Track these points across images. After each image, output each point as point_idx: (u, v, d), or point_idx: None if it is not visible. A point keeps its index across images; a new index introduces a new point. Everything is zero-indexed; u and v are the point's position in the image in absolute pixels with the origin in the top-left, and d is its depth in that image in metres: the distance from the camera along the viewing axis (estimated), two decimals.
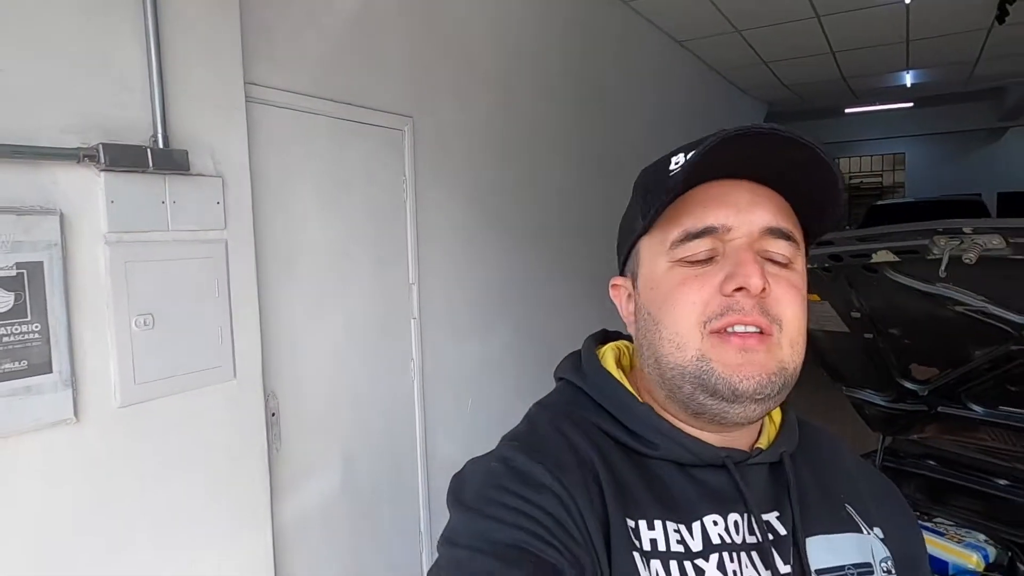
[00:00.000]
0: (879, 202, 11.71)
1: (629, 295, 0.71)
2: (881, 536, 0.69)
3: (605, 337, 0.81)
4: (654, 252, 0.66)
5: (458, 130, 3.10)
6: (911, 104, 12.00)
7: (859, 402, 2.06)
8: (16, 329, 1.44)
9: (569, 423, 0.67)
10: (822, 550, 0.64)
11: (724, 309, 0.61)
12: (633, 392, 0.69)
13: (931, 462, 2.04)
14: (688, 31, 5.43)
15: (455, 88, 3.06)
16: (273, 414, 2.19)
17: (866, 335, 1.79)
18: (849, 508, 0.70)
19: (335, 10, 2.41)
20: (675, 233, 0.64)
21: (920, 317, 1.60)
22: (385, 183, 2.68)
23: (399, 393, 2.79)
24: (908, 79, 7.75)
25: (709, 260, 0.63)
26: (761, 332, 0.61)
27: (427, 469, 2.93)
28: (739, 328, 0.61)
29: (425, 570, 2.96)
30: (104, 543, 1.63)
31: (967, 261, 1.26)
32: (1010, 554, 1.64)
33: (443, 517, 2.45)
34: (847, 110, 12.27)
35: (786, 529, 0.63)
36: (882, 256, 1.46)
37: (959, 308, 1.49)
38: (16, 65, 1.46)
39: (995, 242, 1.23)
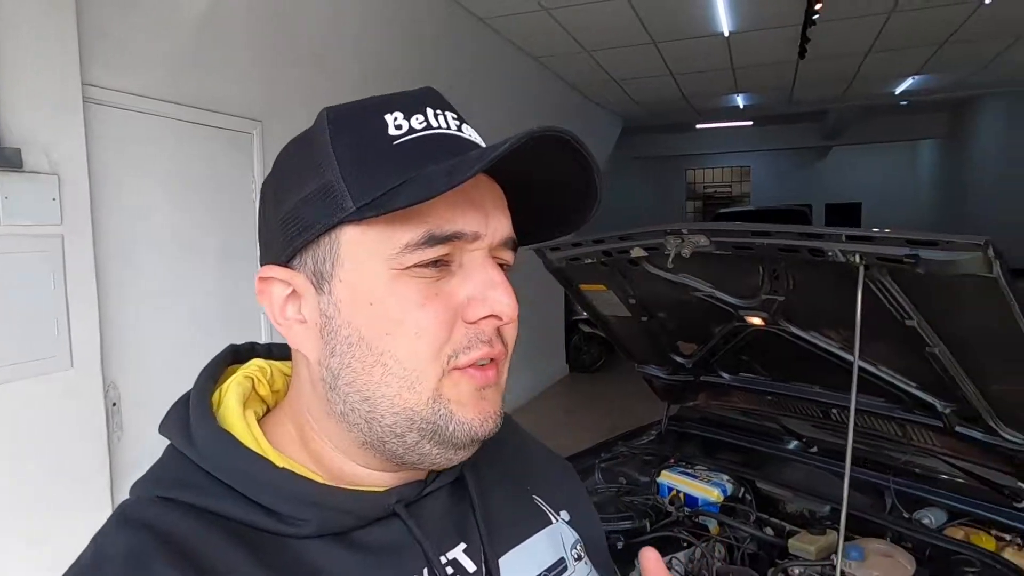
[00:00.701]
0: (723, 210, 12.90)
1: (296, 296, 0.51)
2: (568, 519, 0.65)
3: (235, 357, 0.60)
4: (370, 252, 0.47)
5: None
6: (751, 123, 13.39)
7: (647, 376, 2.47)
8: None
9: (166, 546, 0.44)
10: (516, 565, 0.58)
11: (471, 341, 0.49)
12: (264, 451, 0.51)
13: (702, 423, 2.49)
14: (542, 48, 5.86)
15: (307, 96, 3.22)
16: (114, 404, 2.27)
17: (642, 318, 2.17)
18: (537, 499, 0.64)
19: (180, 14, 2.52)
20: (412, 234, 0.46)
21: (674, 302, 2.00)
22: (234, 183, 2.80)
23: None
24: (740, 101, 8.68)
25: (442, 273, 0.48)
26: (492, 360, 0.51)
27: None
28: (482, 361, 0.50)
29: None
30: None
31: (684, 255, 1.66)
32: (743, 488, 2.08)
33: None
34: (698, 126, 13.47)
35: (475, 563, 0.55)
36: (636, 252, 1.83)
37: (696, 293, 1.89)
38: None
39: (703, 241, 1.63)
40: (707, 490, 2.03)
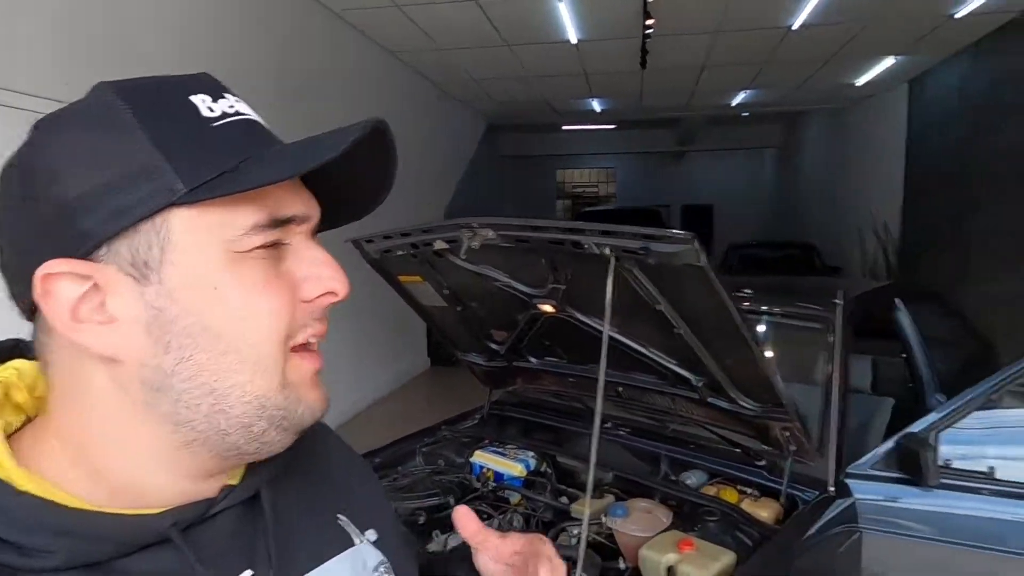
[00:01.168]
0: (587, 208, 13.51)
1: (97, 293, 0.45)
2: (374, 539, 0.62)
3: None
4: (208, 236, 0.45)
5: None
6: (614, 126, 14.13)
7: (469, 364, 2.61)
8: None
9: None
10: None
11: (308, 320, 0.50)
12: (5, 471, 0.44)
13: (519, 407, 2.68)
14: (398, 44, 5.89)
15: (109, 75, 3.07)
16: None
17: (457, 308, 2.30)
18: (342, 519, 0.61)
19: None
20: (257, 216, 0.46)
21: (481, 291, 2.14)
22: None
23: None
24: (596, 105, 9.15)
25: (280, 255, 0.49)
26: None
27: None
28: (315, 341, 0.52)
29: None
30: None
31: (474, 247, 1.80)
32: (546, 463, 2.27)
33: None
34: (564, 127, 14.02)
35: None
36: (439, 244, 1.95)
37: (497, 283, 2.05)
38: None
39: (490, 234, 1.78)
40: (512, 466, 2.19)
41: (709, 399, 1.91)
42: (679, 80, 7.42)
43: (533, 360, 2.40)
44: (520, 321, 2.19)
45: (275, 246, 0.48)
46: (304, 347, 0.51)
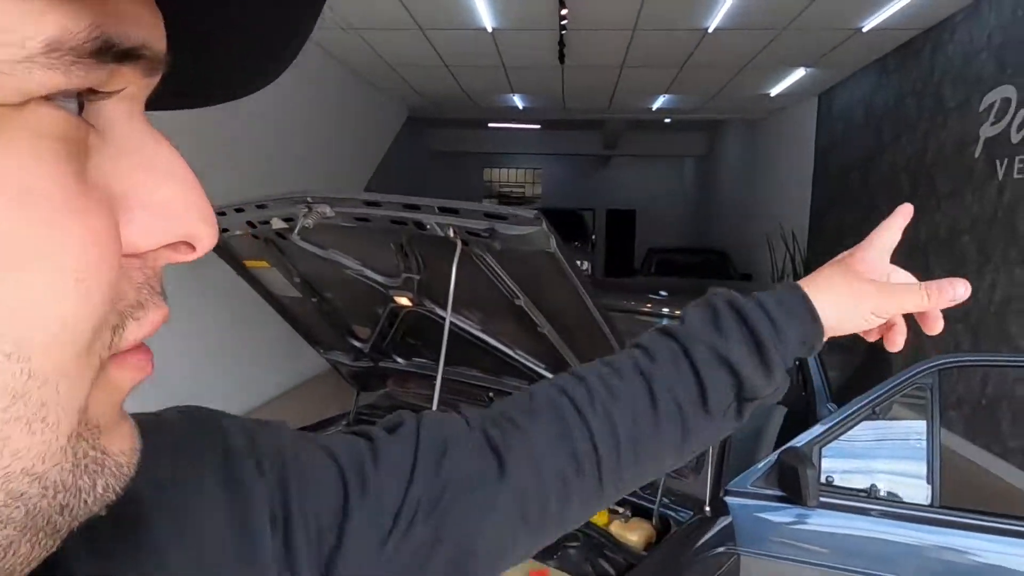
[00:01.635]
0: None
1: None
2: None
3: None
4: None
5: None
6: (539, 126, 14.04)
7: (332, 363, 2.34)
8: None
9: None
10: None
11: (141, 293, 0.25)
12: None
13: (390, 411, 2.42)
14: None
15: None
16: None
17: (312, 299, 2.03)
18: None
19: None
20: (61, 20, 0.20)
21: (335, 281, 1.88)
22: None
23: None
24: (518, 101, 8.98)
25: (75, 139, 0.22)
26: None
27: None
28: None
29: None
30: None
31: (308, 226, 1.53)
32: None
33: None
34: (490, 125, 13.81)
35: None
36: (276, 223, 1.68)
37: (348, 271, 1.79)
38: None
39: (327, 211, 1.52)
40: None
41: None
42: (599, 80, 7.33)
43: (400, 360, 2.15)
44: (380, 316, 1.93)
45: (81, 112, 0.22)
46: (127, 352, 0.25)
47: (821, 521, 1.69)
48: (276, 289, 2.09)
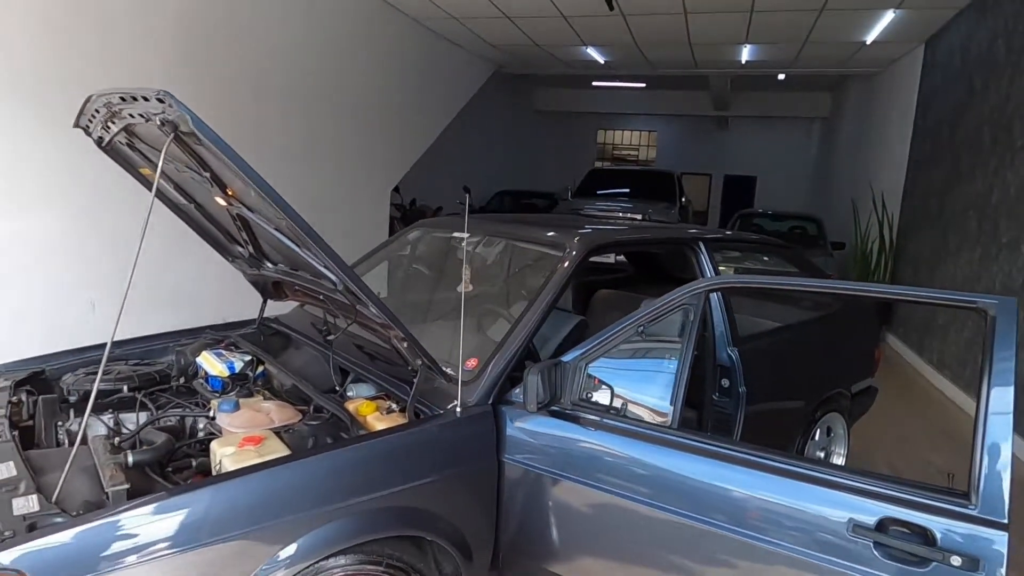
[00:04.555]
0: (596, 168, 13.14)
1: None
2: None
3: None
4: None
5: None
6: (644, 84, 13.57)
7: (239, 270, 2.60)
8: None
9: None
10: None
11: None
12: None
13: (293, 320, 2.67)
14: None
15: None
16: None
17: (193, 205, 2.28)
18: None
19: None
20: None
21: (192, 186, 2.10)
22: None
23: None
24: (595, 55, 8.77)
25: None
26: None
27: None
28: None
29: None
30: None
31: (120, 140, 1.77)
32: (252, 364, 2.24)
33: None
34: (593, 83, 13.57)
35: None
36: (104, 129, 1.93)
37: (184, 175, 2.00)
38: None
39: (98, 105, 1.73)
40: (215, 366, 2.17)
41: (358, 306, 1.82)
42: (666, 29, 6.99)
43: (270, 266, 2.35)
44: (232, 219, 2.14)
45: None
46: None
47: (568, 433, 1.69)
48: (171, 197, 2.35)
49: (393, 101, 7.11)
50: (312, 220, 1.51)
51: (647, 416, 1.62)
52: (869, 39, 6.89)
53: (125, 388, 2.04)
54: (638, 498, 1.56)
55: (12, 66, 3.37)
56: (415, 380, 1.75)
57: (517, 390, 1.83)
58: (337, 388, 1.98)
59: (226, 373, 2.16)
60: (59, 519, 1.30)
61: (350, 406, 1.82)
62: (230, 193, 1.89)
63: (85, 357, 2.29)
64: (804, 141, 16.37)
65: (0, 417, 1.75)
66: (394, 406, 1.82)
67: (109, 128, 1.91)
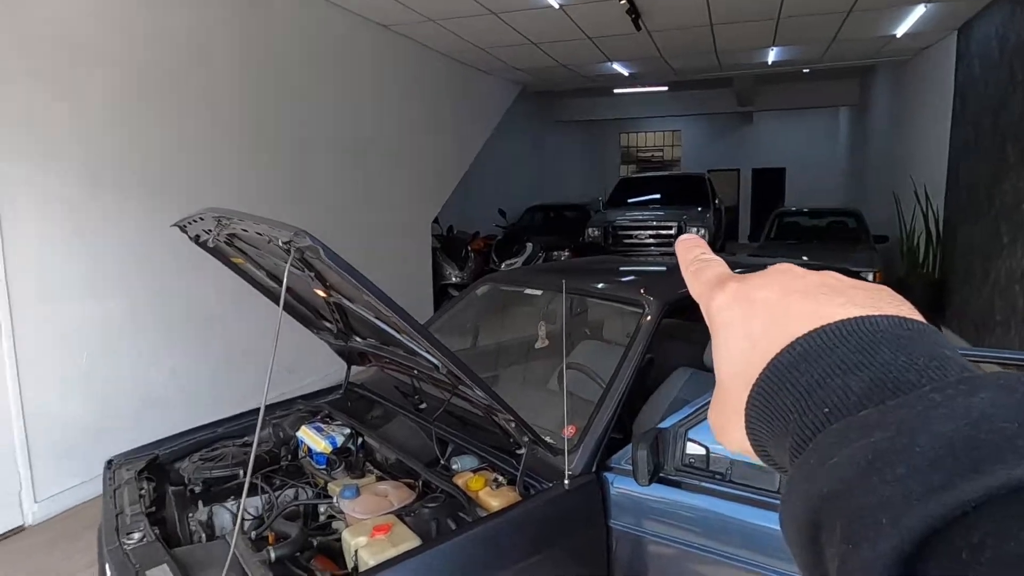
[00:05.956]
0: (625, 176, 13.15)
1: None
2: None
3: None
4: None
5: (58, 102, 3.38)
6: (666, 88, 13.55)
7: (325, 341, 2.72)
8: None
9: None
10: None
11: None
12: None
13: (374, 385, 2.77)
14: (392, 19, 5.91)
15: (40, 69, 3.32)
16: None
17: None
18: None
19: None
20: None
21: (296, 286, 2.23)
22: None
23: None
24: (621, 68, 8.82)
25: None
26: None
27: (23, 417, 3.26)
28: None
29: (29, 512, 3.31)
30: None
31: (219, 240, 1.90)
32: (352, 437, 2.34)
33: (46, 462, 2.83)
34: (615, 91, 13.60)
35: None
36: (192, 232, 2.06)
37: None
38: None
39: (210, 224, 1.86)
40: (318, 442, 2.29)
41: (459, 386, 1.91)
42: (693, 40, 7.02)
43: (359, 340, 2.46)
44: (328, 304, 2.26)
45: None
46: None
47: (678, 500, 1.76)
48: (261, 281, 2.49)
49: (428, 136, 7.26)
50: (362, 258, 1.62)
51: (754, 479, 1.68)
52: (900, 32, 6.83)
53: (241, 473, 2.16)
54: (750, 564, 1.62)
55: (92, 158, 3.56)
56: (522, 454, 1.84)
57: (616, 455, 1.90)
58: (440, 460, 2.08)
59: (329, 449, 2.27)
60: None
61: (459, 481, 1.91)
62: (329, 286, 2.01)
63: (193, 439, 2.43)
64: (833, 130, 16.18)
65: (139, 515, 1.87)
66: (500, 479, 1.91)
67: (211, 232, 2.05)
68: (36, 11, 3.24)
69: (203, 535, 1.90)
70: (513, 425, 1.78)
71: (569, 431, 1.95)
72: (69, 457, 3.45)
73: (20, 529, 3.28)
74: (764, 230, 9.06)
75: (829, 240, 8.32)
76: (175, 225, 2.22)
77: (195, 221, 2.05)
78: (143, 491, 2.04)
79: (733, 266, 0.38)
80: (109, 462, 2.24)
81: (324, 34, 5.42)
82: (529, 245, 9.36)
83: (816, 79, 12.92)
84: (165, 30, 3.96)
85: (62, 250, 3.44)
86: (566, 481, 1.80)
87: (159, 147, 3.97)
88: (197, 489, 2.09)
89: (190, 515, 1.97)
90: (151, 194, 3.89)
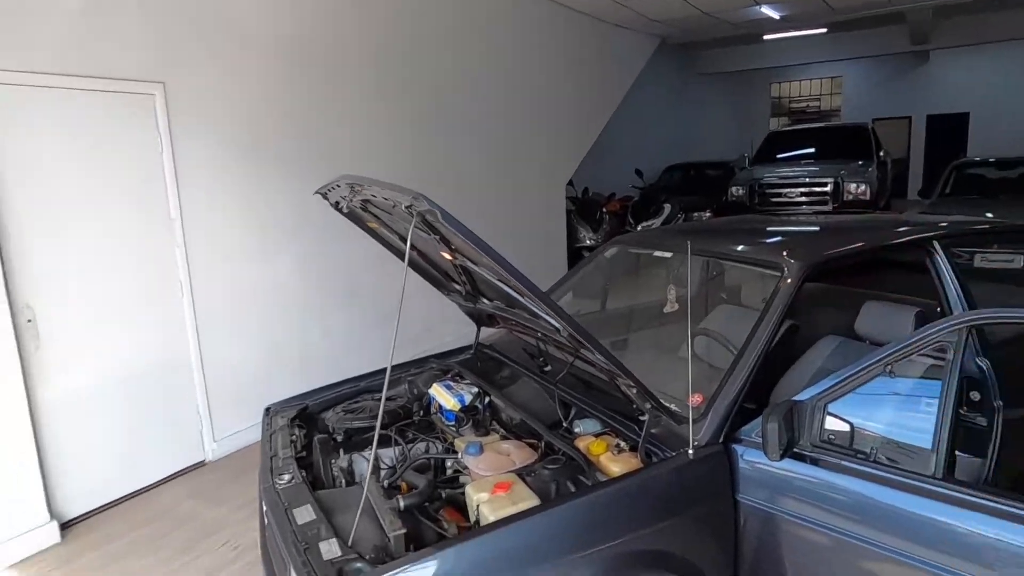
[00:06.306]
0: (776, 129, 12.20)
1: None
2: None
3: None
4: None
5: (225, 89, 3.70)
6: (825, 29, 12.30)
7: (454, 302, 2.79)
8: None
9: None
10: None
11: None
12: None
13: (504, 346, 2.82)
14: None
15: (214, 53, 3.63)
16: (29, 320, 2.92)
17: (414, 251, 2.48)
18: None
19: None
20: None
21: (425, 248, 2.28)
22: (139, 140, 3.32)
23: (169, 305, 3.53)
24: (770, 12, 8.12)
25: None
26: None
27: (203, 366, 3.69)
28: None
29: (209, 450, 3.77)
30: None
31: (354, 205, 1.97)
32: (480, 396, 2.39)
33: (222, 407, 3.29)
34: (765, 36, 12.57)
35: None
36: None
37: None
38: None
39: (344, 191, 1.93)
40: (448, 399, 2.38)
41: (580, 350, 1.89)
42: None
43: (486, 302, 2.50)
44: (454, 266, 2.32)
45: None
46: None
47: (816, 477, 1.63)
48: (394, 244, 2.60)
49: (563, 96, 7.17)
50: (498, 226, 1.62)
51: (903, 461, 1.52)
52: None
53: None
54: (890, 549, 1.47)
55: (259, 134, 3.89)
56: (644, 421, 1.79)
57: (747, 426, 1.80)
58: (563, 422, 2.08)
59: (458, 406, 2.35)
60: (358, 564, 1.51)
61: (580, 444, 1.91)
62: (454, 249, 2.05)
63: (338, 392, 2.62)
64: None
65: (289, 458, 2.06)
66: (623, 444, 1.88)
67: (346, 198, 2.16)
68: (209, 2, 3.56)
69: (344, 480, 2.05)
70: (635, 391, 1.73)
71: (695, 399, 1.87)
72: (241, 403, 3.87)
73: (202, 464, 3.75)
74: (938, 185, 8.06)
75: (1022, 194, 7.24)
76: (317, 192, 2.36)
77: (333, 188, 2.17)
78: (294, 437, 2.23)
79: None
80: (267, 409, 2.47)
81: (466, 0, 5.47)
82: (667, 206, 9.04)
83: (1011, 6, 11.13)
84: (320, 5, 4.19)
85: (232, 217, 3.81)
86: (690, 450, 1.73)
87: (314, 121, 4.24)
88: (339, 438, 2.25)
89: (333, 461, 2.13)
90: (308, 165, 4.18)
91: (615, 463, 1.78)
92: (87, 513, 3.21)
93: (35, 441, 2.92)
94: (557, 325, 1.84)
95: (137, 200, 3.33)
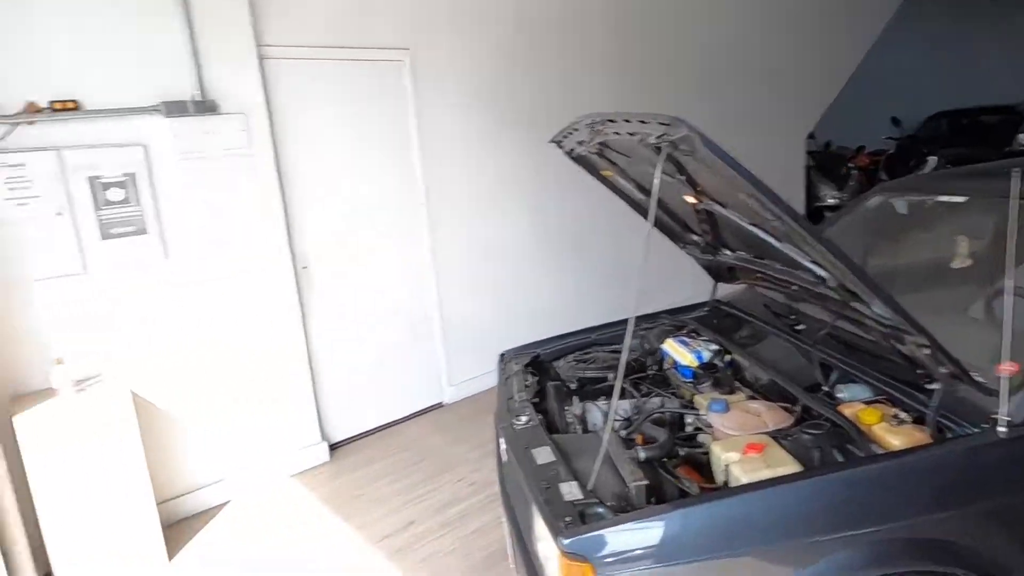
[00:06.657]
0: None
1: None
2: None
3: None
4: None
5: (461, 53, 3.86)
6: None
7: (690, 255, 2.60)
8: (127, 209, 2.69)
9: None
10: None
11: None
12: None
13: (743, 303, 2.57)
14: None
15: (451, 21, 3.79)
16: (304, 267, 3.35)
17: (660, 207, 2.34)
18: None
19: None
20: None
21: (664, 195, 2.14)
22: (389, 103, 3.60)
23: (413, 260, 3.83)
24: None
25: None
26: None
27: (442, 318, 3.96)
28: None
29: (446, 393, 4.06)
30: None
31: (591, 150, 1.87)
32: (720, 354, 2.19)
33: (457, 355, 3.60)
34: None
35: None
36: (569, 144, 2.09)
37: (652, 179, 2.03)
38: (118, 68, 2.64)
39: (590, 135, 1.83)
40: (685, 355, 2.25)
41: (852, 303, 1.63)
42: None
43: (728, 253, 2.31)
44: (696, 214, 2.16)
45: None
46: None
47: None
48: (628, 193, 2.50)
49: (808, 42, 6.41)
50: None
51: None
52: None
53: (609, 376, 2.26)
54: None
55: (512, 106, 4.04)
56: (935, 390, 1.50)
57: None
58: (823, 386, 1.84)
59: (696, 363, 2.21)
60: (599, 509, 1.47)
61: (846, 411, 1.67)
62: (700, 192, 1.89)
63: (568, 343, 2.62)
64: None
65: (525, 402, 2.09)
66: (903, 415, 1.60)
67: (583, 143, 2.10)
68: None
69: (578, 427, 2.04)
70: (927, 352, 1.45)
71: (1009, 367, 1.52)
72: (474, 351, 4.10)
73: (439, 406, 4.06)
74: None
75: None
76: (552, 141, 2.34)
77: (570, 133, 2.12)
78: (528, 383, 2.27)
79: None
80: (502, 355, 2.55)
81: None
82: (932, 159, 7.76)
83: None
84: None
85: (467, 177, 4.01)
86: (1001, 428, 1.42)
87: (548, 88, 4.27)
88: (572, 386, 2.25)
89: (566, 408, 2.13)
90: (540, 128, 4.23)
91: (895, 435, 1.52)
92: (348, 438, 3.65)
93: (311, 373, 3.37)
94: (824, 274, 1.61)
95: (391, 162, 3.63)
